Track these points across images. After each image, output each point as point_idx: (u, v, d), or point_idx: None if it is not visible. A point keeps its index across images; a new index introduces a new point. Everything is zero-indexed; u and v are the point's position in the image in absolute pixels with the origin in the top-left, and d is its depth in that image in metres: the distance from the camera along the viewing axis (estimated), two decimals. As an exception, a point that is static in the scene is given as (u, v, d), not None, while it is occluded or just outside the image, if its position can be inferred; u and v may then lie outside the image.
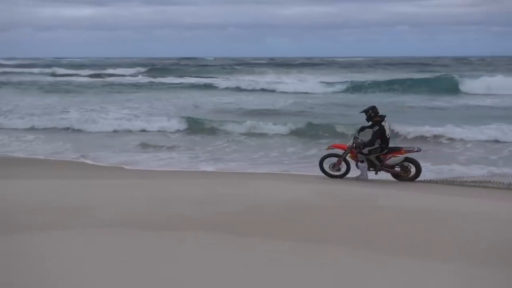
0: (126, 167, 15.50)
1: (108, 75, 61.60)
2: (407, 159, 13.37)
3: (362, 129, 13.87)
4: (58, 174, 13.45)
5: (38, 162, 16.08)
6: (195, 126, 22.87)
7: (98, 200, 9.58)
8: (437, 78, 43.24)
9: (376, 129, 13.30)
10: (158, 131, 22.71)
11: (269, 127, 22.31)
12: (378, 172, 13.57)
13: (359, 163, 13.53)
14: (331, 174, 13.77)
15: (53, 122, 24.32)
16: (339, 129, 21.50)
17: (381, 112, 13.59)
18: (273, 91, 43.26)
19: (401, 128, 21.15)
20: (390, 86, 41.81)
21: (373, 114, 13.41)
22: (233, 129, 22.15)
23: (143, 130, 22.84)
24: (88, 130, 23.03)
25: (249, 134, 21.62)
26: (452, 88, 40.22)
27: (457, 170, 14.64)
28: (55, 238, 7.29)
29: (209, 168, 15.26)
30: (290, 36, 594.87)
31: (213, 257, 6.62)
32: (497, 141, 19.35)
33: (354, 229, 7.96)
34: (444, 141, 19.73)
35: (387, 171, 13.51)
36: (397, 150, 13.46)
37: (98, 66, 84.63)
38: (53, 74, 65.43)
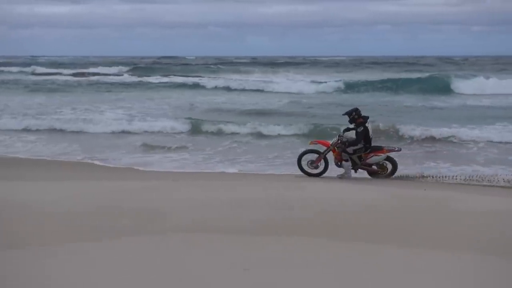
0: (141, 168, 15.36)
1: (91, 74, 60.99)
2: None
3: (347, 130, 14.31)
4: (94, 176, 13.30)
5: (54, 164, 15.92)
6: (199, 127, 22.66)
7: (167, 203, 9.43)
8: (430, 78, 43.38)
9: (360, 130, 13.81)
10: (161, 131, 22.45)
11: (274, 128, 22.20)
12: (357, 170, 14.03)
13: (343, 162, 13.93)
14: (308, 172, 14.07)
15: (50, 122, 23.92)
16: (345, 129, 21.52)
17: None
18: (262, 90, 43.09)
19: (407, 129, 21.11)
20: (383, 85, 41.93)
21: (356, 116, 13.96)
22: (237, 130, 22.00)
23: (146, 131, 22.56)
24: (90, 130, 22.69)
25: (254, 135, 21.52)
26: (445, 88, 40.42)
27: (481, 171, 14.69)
28: (144, 243, 7.17)
29: (232, 169, 15.25)
30: (271, 35, 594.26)
31: (305, 262, 6.53)
32: (508, 142, 19.47)
33: (431, 231, 7.93)
34: (455, 141, 19.77)
35: (365, 169, 14.02)
36: (379, 149, 14.04)
37: (78, 64, 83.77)
38: (34, 73, 64.64)
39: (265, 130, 21.83)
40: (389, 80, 43.87)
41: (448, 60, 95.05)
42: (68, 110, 29.34)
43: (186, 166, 15.82)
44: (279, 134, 21.60)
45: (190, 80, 51.77)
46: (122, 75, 60.04)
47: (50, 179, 12.33)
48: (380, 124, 21.70)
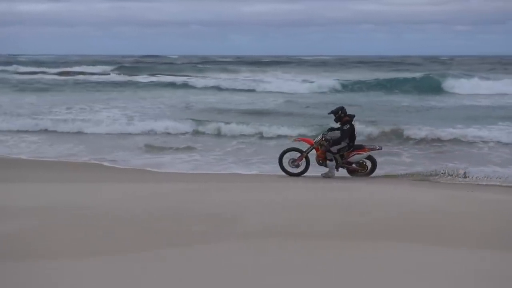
0: (155, 170, 15.23)
1: (76, 73, 60.43)
2: None
3: (331, 129, 14.41)
4: (116, 178, 13.14)
5: (70, 165, 15.70)
6: (202, 127, 22.48)
7: (232, 207, 9.27)
8: (425, 77, 43.36)
9: (347, 127, 14.00)
10: (164, 132, 22.20)
11: (278, 128, 22.12)
12: (338, 168, 14.15)
13: (328, 161, 14.05)
14: (289, 171, 14.17)
15: (48, 122, 23.54)
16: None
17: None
18: (254, 90, 42.86)
19: (413, 130, 20.99)
20: (378, 85, 42.04)
21: (342, 115, 14.12)
22: (241, 131, 21.85)
23: (149, 131, 22.29)
24: (91, 131, 22.40)
25: (258, 135, 21.41)
26: (440, 88, 40.62)
27: (500, 171, 14.75)
28: (223, 251, 7.01)
29: (250, 170, 15.24)
30: (254, 33, 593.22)
31: (401, 268, 6.45)
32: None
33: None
34: (463, 140, 19.77)
35: (346, 168, 14.20)
36: (360, 148, 14.21)
37: (59, 63, 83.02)
38: (17, 72, 63.92)
39: (268, 131, 21.73)
40: (384, 79, 43.98)
41: (434, 60, 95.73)
42: (63, 110, 29.04)
43: (198, 167, 15.69)
44: (284, 134, 21.50)
45: (178, 79, 51.38)
46: (109, 74, 59.54)
47: (86, 181, 12.19)
48: (385, 127, 21.72)
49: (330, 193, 10.75)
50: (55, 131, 22.38)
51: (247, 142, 20.17)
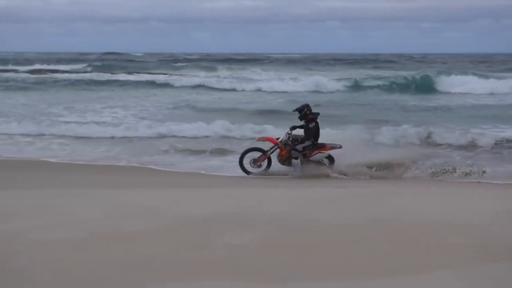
0: (210, 173, 14.85)
1: (50, 71, 59.09)
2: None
3: (293, 128, 14.54)
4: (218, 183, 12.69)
5: (130, 169, 15.17)
6: (229, 130, 21.86)
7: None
8: (423, 76, 43.13)
9: (312, 125, 14.19)
10: (192, 134, 21.46)
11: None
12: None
13: (293, 160, 14.23)
14: (249, 171, 14.24)
15: (61, 125, 22.56)
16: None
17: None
18: (243, 90, 42.22)
19: (443, 132, 20.33)
20: (374, 84, 42.11)
21: (308, 112, 14.26)
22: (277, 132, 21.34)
23: (176, 133, 21.49)
24: (110, 134, 21.38)
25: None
26: (435, 86, 40.74)
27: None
28: None
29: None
30: (216, 30, 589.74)
31: None
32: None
33: None
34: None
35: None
36: (322, 146, 14.38)
37: (22, 61, 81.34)
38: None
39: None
40: (379, 78, 44.16)
41: (408, 58, 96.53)
42: (63, 111, 28.18)
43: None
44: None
45: (160, 78, 50.68)
46: (85, 72, 58.42)
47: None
48: (413, 129, 20.34)
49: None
50: (73, 136, 21.15)
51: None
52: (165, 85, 45.65)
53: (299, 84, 43.18)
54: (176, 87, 44.31)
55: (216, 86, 44.12)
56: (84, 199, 9.67)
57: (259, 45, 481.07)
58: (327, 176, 14.14)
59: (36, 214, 8.50)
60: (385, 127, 20.62)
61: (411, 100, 34.41)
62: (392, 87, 40.90)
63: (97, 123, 23.29)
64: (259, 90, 41.78)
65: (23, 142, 19.72)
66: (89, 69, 64.36)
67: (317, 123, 14.29)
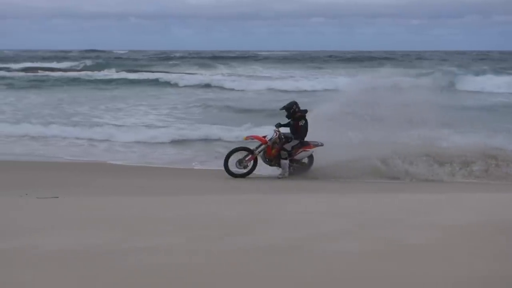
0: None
1: (44, 69, 58.57)
2: None
3: (279, 125, 14.39)
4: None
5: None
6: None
7: None
8: (437, 76, 43.48)
9: (303, 123, 14.07)
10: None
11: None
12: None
13: (282, 160, 13.98)
14: (234, 173, 13.95)
15: (108, 128, 22.40)
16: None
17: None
18: (237, 90, 41.83)
19: None
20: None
21: (297, 109, 14.17)
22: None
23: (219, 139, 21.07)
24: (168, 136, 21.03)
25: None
26: (453, 85, 41.04)
27: None
28: None
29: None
30: (197, 27, 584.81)
31: None
32: None
33: None
34: None
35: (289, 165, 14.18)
36: (306, 144, 14.21)
37: (5, 58, 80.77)
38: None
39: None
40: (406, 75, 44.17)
41: (403, 56, 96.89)
42: (91, 111, 28.07)
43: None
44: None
45: (162, 76, 50.25)
46: (81, 70, 58.04)
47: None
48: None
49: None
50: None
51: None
52: (170, 83, 45.18)
53: (314, 83, 43.13)
54: (184, 86, 43.91)
55: (228, 85, 43.68)
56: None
57: (243, 42, 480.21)
58: None
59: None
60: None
61: (456, 99, 34.37)
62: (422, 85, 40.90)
63: (147, 125, 23.23)
64: (271, 88, 41.63)
65: (87, 145, 19.63)
66: (80, 66, 64.26)
67: (306, 120, 14.12)
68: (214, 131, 21.60)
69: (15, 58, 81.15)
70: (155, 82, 45.89)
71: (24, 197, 9.88)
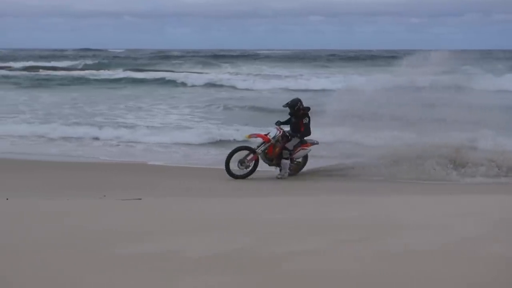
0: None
1: (47, 68, 58.28)
2: None
3: (279, 123, 14.17)
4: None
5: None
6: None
7: None
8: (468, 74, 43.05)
9: (307, 121, 13.84)
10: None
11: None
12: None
13: (283, 160, 13.75)
14: (235, 174, 13.69)
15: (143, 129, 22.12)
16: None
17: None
18: (250, 89, 41.43)
19: None
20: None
21: (302, 107, 13.92)
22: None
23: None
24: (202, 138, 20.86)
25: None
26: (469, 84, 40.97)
27: None
28: None
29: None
30: (194, 26, 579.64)
31: None
32: None
33: None
34: None
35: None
36: (304, 143, 14.03)
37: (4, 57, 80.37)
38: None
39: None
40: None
41: (406, 54, 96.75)
42: (111, 111, 27.85)
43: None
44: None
45: (167, 75, 49.94)
46: (85, 69, 57.66)
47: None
48: None
49: None
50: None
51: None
52: (176, 82, 44.91)
53: (328, 82, 42.85)
54: (192, 85, 43.64)
55: (240, 84, 43.30)
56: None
57: (241, 41, 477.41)
58: None
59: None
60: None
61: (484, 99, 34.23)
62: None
63: (176, 126, 23.03)
64: (284, 88, 41.32)
65: (123, 145, 19.41)
66: (80, 65, 63.97)
67: (309, 117, 13.93)
68: (251, 131, 21.33)
69: (14, 57, 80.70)
70: (163, 81, 45.60)
71: (104, 199, 9.68)
